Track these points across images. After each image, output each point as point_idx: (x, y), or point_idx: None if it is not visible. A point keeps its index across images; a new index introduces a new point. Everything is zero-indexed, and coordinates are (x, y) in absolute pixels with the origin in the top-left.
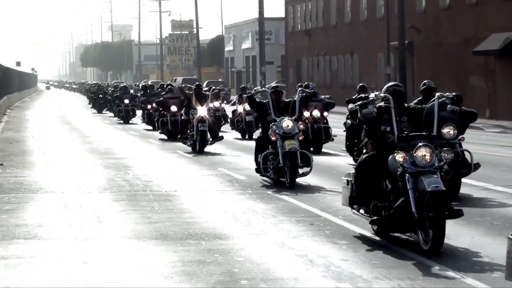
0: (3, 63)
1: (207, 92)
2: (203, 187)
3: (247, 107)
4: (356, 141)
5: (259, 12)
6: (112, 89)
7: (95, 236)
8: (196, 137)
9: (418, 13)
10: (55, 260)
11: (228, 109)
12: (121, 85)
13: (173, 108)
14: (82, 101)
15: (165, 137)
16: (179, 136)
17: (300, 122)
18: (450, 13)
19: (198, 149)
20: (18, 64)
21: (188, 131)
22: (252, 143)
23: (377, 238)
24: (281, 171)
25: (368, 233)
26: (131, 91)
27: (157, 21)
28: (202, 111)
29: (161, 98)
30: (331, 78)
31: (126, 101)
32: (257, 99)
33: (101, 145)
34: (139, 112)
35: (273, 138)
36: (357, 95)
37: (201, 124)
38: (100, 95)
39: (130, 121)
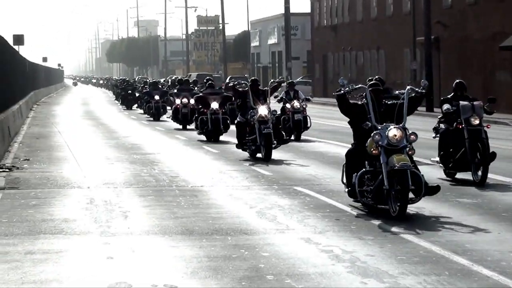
0: (30, 59)
1: (265, 88)
2: (229, 182)
3: (297, 104)
4: (451, 149)
5: (285, 7)
6: (142, 85)
7: (121, 232)
8: (260, 141)
9: (445, 8)
10: (81, 255)
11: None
12: (151, 81)
13: (214, 105)
14: (108, 96)
15: (203, 137)
16: (220, 135)
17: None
18: (476, 8)
19: (264, 156)
20: (45, 59)
21: (247, 136)
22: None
23: (403, 234)
24: (382, 195)
25: (395, 228)
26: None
27: (183, 17)
28: (262, 110)
29: (200, 94)
30: (357, 73)
31: (157, 97)
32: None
33: (128, 141)
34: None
35: (374, 152)
36: (452, 94)
37: (264, 126)
38: (129, 91)
39: (161, 118)
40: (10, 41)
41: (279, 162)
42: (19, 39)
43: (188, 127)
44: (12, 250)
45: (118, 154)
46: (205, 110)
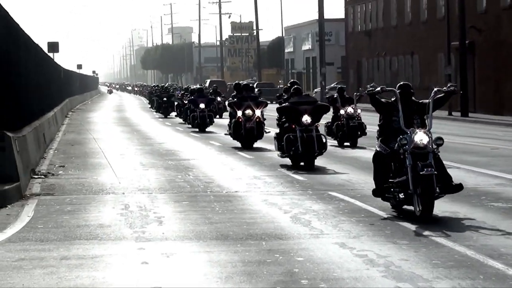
0: (65, 66)
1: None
2: (263, 188)
3: (350, 110)
4: None
5: (319, 13)
6: (183, 92)
7: (156, 237)
8: (413, 188)
9: (479, 13)
10: (116, 261)
11: None
12: (197, 87)
13: (306, 119)
14: (142, 103)
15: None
16: (314, 158)
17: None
18: (511, 12)
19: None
20: (79, 67)
21: (391, 175)
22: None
23: (438, 238)
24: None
25: (429, 232)
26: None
27: (217, 23)
28: (420, 136)
29: (287, 104)
30: (391, 78)
31: (202, 105)
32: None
33: (163, 147)
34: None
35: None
36: None
37: (422, 164)
38: (165, 98)
39: (207, 129)
40: (45, 48)
41: (318, 167)
42: (53, 47)
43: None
44: (47, 255)
45: (152, 160)
46: (293, 126)
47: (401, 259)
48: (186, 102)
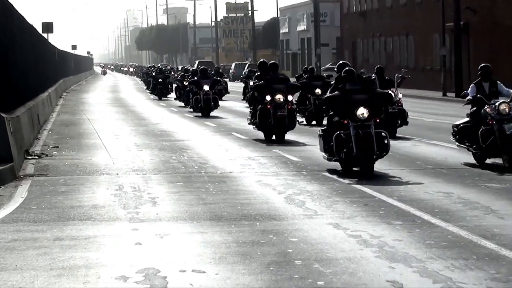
0: (59, 47)
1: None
2: (258, 168)
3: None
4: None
5: None
6: (182, 73)
7: (150, 218)
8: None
9: None
10: (110, 241)
11: None
12: (201, 68)
13: (362, 112)
14: (137, 84)
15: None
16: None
17: None
18: None
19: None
20: (74, 47)
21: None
22: None
23: (432, 218)
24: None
25: (423, 213)
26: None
27: (212, 4)
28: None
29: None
30: (386, 59)
31: (206, 87)
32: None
33: (157, 128)
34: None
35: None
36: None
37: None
38: (160, 79)
39: (211, 114)
40: (39, 29)
41: (307, 148)
42: (48, 27)
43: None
44: (41, 236)
45: (147, 141)
46: (345, 121)
47: (395, 240)
48: (187, 83)
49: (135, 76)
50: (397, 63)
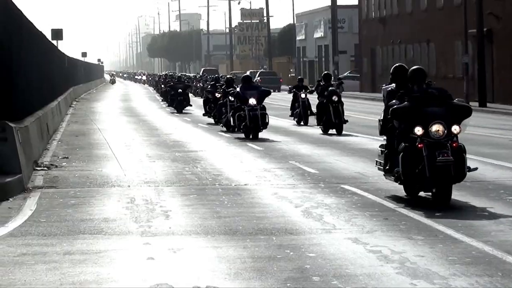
0: (69, 54)
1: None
2: (273, 181)
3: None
4: None
5: None
6: (212, 82)
7: (162, 232)
8: None
9: None
10: (121, 256)
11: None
12: (244, 75)
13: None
14: (149, 92)
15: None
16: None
17: None
18: None
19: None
20: (84, 54)
21: None
22: (343, 143)
23: (455, 234)
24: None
25: (446, 228)
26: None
27: (226, 10)
28: None
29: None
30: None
31: (253, 101)
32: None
33: (170, 138)
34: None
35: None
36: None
37: None
38: (180, 90)
39: (259, 136)
40: (49, 35)
41: (325, 159)
42: (57, 34)
43: None
44: (50, 250)
45: (159, 152)
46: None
47: (417, 255)
48: (219, 95)
49: (147, 85)
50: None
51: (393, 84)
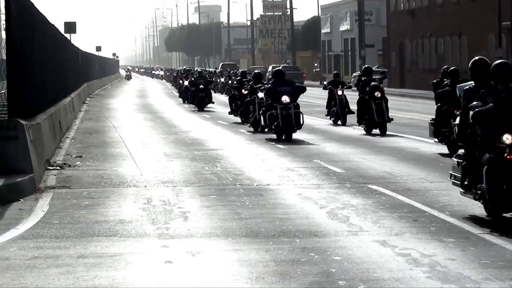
0: (83, 48)
1: None
2: (297, 180)
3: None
4: None
5: None
6: (238, 77)
7: (181, 234)
8: None
9: None
10: (138, 259)
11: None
12: (275, 69)
13: None
14: (167, 88)
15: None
16: None
17: None
18: None
19: None
20: (99, 49)
21: None
22: (371, 141)
23: (488, 236)
24: None
25: (478, 230)
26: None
27: (248, 2)
28: None
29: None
30: (437, 62)
31: (286, 98)
32: None
33: (188, 136)
34: None
35: None
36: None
37: None
38: (201, 86)
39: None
40: (62, 29)
41: (351, 158)
42: (71, 27)
43: None
44: (63, 253)
45: (177, 150)
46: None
47: (447, 259)
48: (246, 92)
49: (165, 80)
50: (449, 65)
51: (471, 82)
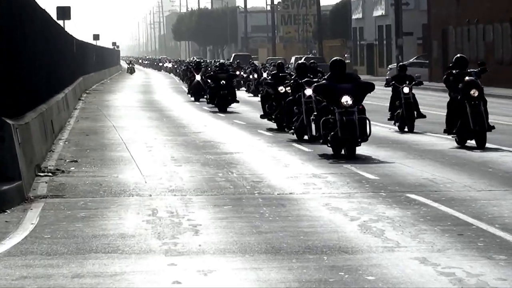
0: (78, 37)
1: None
2: (325, 189)
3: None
4: None
5: None
6: (273, 71)
7: (191, 250)
8: None
9: None
10: (141, 280)
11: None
12: (335, 60)
13: None
14: (175, 83)
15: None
16: None
17: None
18: None
19: None
20: (96, 37)
21: None
22: (409, 143)
23: None
24: None
25: None
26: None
27: None
28: None
29: None
30: (485, 52)
31: (347, 99)
32: None
33: (199, 137)
34: None
35: None
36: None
37: None
38: (223, 81)
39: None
40: (54, 15)
41: (387, 162)
42: (64, 12)
43: None
44: (56, 272)
45: (187, 154)
46: None
47: (497, 279)
48: (284, 90)
49: (173, 74)
50: (499, 56)
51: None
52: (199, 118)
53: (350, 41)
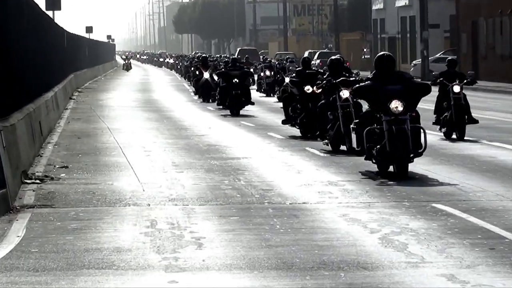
0: (69, 29)
1: None
2: (342, 198)
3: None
4: None
5: None
6: (298, 68)
7: (193, 266)
8: None
9: None
10: None
11: None
12: (382, 55)
13: None
14: (177, 80)
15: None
16: None
17: None
18: None
19: None
20: (89, 30)
21: None
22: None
23: None
24: None
25: None
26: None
27: None
28: None
29: None
30: None
31: (397, 105)
32: None
33: (203, 141)
34: None
35: None
36: None
37: None
38: (236, 80)
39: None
40: (43, 5)
41: (411, 169)
42: (54, 2)
43: None
44: None
45: (189, 159)
46: None
47: None
48: (311, 91)
49: (174, 70)
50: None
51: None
52: (203, 120)
53: (370, 34)
